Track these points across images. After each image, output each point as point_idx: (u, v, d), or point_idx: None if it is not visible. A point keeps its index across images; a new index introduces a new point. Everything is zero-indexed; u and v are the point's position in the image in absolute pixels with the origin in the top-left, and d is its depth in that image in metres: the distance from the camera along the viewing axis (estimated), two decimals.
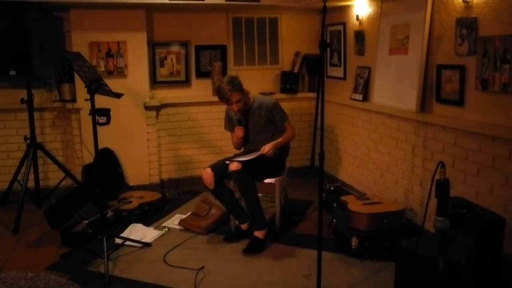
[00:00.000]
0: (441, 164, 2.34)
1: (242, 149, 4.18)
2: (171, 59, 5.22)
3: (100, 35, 4.79)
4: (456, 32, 3.32)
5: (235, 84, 3.83)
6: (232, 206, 3.92)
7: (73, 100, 4.79)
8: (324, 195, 4.27)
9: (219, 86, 3.85)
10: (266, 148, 3.83)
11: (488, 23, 3.06)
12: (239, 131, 3.99)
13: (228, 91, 3.78)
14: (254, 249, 3.71)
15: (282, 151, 4.04)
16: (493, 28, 3.02)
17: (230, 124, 4.16)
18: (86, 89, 3.37)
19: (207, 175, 3.79)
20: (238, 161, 3.71)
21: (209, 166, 3.85)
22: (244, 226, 3.95)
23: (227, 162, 3.79)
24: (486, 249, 2.73)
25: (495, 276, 2.64)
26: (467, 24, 3.21)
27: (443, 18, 3.50)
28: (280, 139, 3.96)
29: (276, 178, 3.93)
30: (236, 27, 5.37)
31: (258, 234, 3.80)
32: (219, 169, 3.82)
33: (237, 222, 3.99)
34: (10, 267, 3.45)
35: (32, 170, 4.54)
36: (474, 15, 3.15)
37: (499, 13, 2.98)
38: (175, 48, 5.21)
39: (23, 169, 4.44)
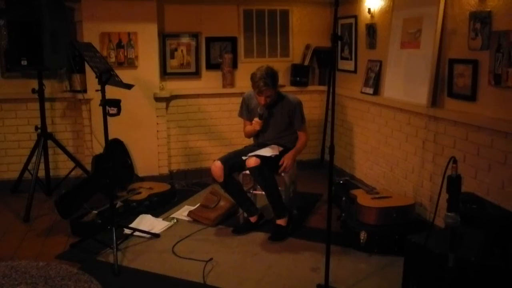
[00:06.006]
0: (453, 160, 2.32)
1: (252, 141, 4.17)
2: (182, 50, 5.21)
3: (111, 25, 4.79)
4: (469, 26, 3.28)
5: (275, 80, 3.80)
6: (241, 199, 3.92)
7: (84, 90, 4.80)
8: (333, 188, 4.26)
9: (258, 74, 3.76)
10: (287, 164, 3.81)
11: (502, 17, 3.01)
12: (256, 124, 3.94)
13: (265, 84, 3.73)
14: (278, 236, 3.76)
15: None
16: (507, 22, 2.97)
17: (246, 112, 4.11)
18: (96, 79, 3.39)
19: (217, 168, 3.79)
20: (256, 157, 3.70)
21: (218, 159, 3.85)
22: (253, 219, 3.96)
23: (244, 158, 3.77)
24: (496, 246, 2.70)
25: (505, 273, 2.62)
26: (481, 18, 3.16)
27: (456, 12, 3.45)
28: (298, 147, 3.96)
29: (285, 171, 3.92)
30: (247, 19, 5.35)
31: (281, 222, 3.82)
32: (229, 162, 3.82)
33: (245, 215, 4.00)
34: (21, 256, 3.49)
35: (42, 159, 4.57)
36: (489, 9, 3.11)
37: None
38: (185, 40, 5.21)
39: (33, 159, 4.48)
